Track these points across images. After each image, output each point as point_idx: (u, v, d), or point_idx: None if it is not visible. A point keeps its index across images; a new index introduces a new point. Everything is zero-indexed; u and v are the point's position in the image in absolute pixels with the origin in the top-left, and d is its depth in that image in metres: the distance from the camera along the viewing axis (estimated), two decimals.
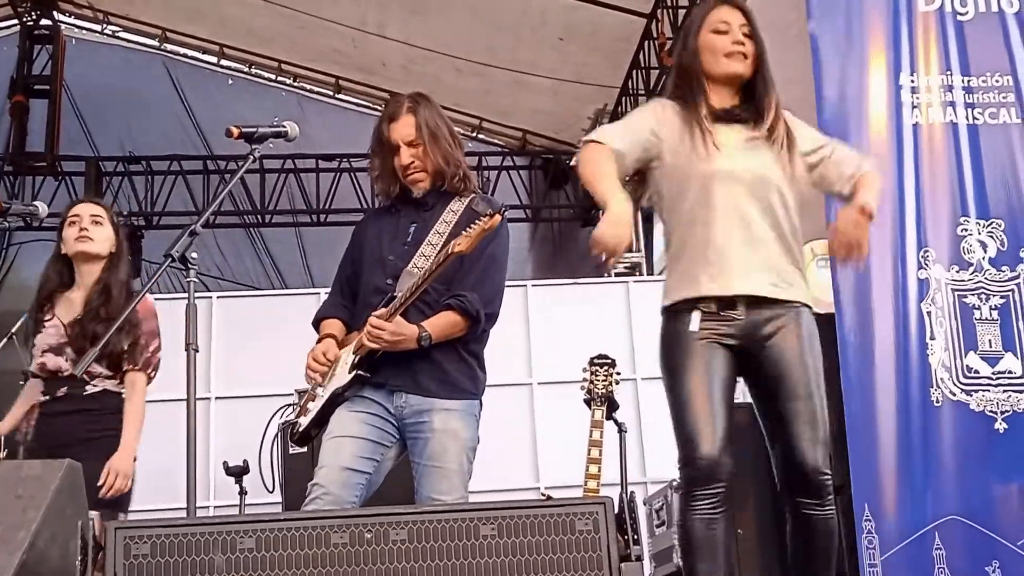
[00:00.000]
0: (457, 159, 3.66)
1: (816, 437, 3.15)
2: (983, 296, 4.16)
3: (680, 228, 3.31)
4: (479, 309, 3.49)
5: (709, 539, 3.11)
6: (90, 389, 4.16)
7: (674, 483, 5.22)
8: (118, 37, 12.25)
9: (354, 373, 3.48)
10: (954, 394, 4.06)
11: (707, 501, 3.10)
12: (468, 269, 3.52)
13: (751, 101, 3.35)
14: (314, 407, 3.57)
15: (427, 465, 3.41)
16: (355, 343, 3.51)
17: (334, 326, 3.66)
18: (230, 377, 7.97)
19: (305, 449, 4.00)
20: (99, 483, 3.94)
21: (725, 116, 3.32)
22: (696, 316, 3.19)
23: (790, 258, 3.27)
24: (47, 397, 4.17)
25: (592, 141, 3.33)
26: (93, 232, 4.26)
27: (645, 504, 5.69)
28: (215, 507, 7.24)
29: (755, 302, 3.20)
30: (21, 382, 6.67)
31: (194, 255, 3.42)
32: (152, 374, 4.26)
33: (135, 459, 4.13)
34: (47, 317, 4.24)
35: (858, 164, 3.37)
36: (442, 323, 3.47)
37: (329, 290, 3.87)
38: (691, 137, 3.28)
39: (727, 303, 3.20)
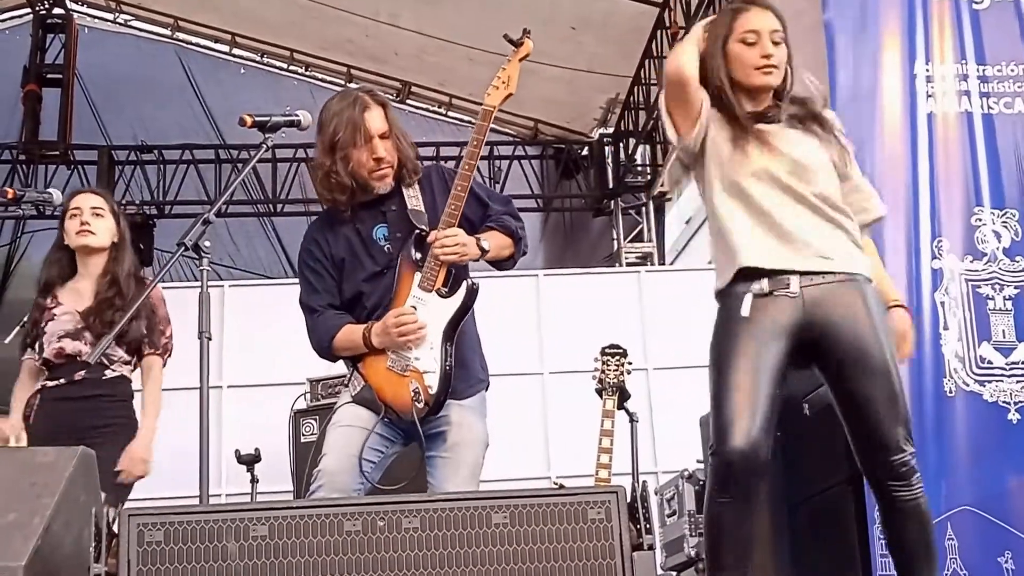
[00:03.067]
0: (414, 149, 3.59)
1: (896, 416, 3.04)
2: (997, 286, 4.14)
3: (724, 212, 3.24)
4: (518, 226, 3.52)
5: (736, 531, 3.05)
6: (109, 374, 4.21)
7: (685, 472, 5.23)
8: (130, 26, 12.27)
9: (462, 292, 3.38)
10: (967, 385, 4.04)
11: (737, 493, 3.02)
12: (477, 206, 3.53)
13: (780, 100, 3.32)
14: (428, 363, 3.36)
15: (442, 457, 3.39)
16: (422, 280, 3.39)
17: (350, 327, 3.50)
18: (242, 365, 7.98)
19: (317, 437, 3.99)
20: (116, 469, 3.99)
21: (762, 118, 3.28)
22: (748, 300, 3.10)
23: (841, 235, 3.20)
24: (61, 381, 4.19)
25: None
26: (94, 225, 4.30)
27: (657, 494, 5.69)
28: (227, 495, 7.26)
29: (808, 276, 3.12)
30: None
31: (207, 243, 3.41)
32: (166, 358, 4.34)
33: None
34: (51, 305, 4.26)
35: (870, 205, 3.37)
36: (497, 239, 3.47)
37: (309, 317, 3.59)
38: (732, 136, 3.24)
39: (779, 281, 3.12)
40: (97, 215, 4.32)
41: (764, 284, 3.11)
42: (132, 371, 4.29)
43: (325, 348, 3.55)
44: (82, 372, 4.16)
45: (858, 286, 3.13)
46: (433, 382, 3.34)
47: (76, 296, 4.27)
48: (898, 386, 3.08)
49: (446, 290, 3.39)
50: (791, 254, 3.13)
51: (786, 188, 3.18)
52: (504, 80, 3.59)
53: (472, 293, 3.40)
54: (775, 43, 3.28)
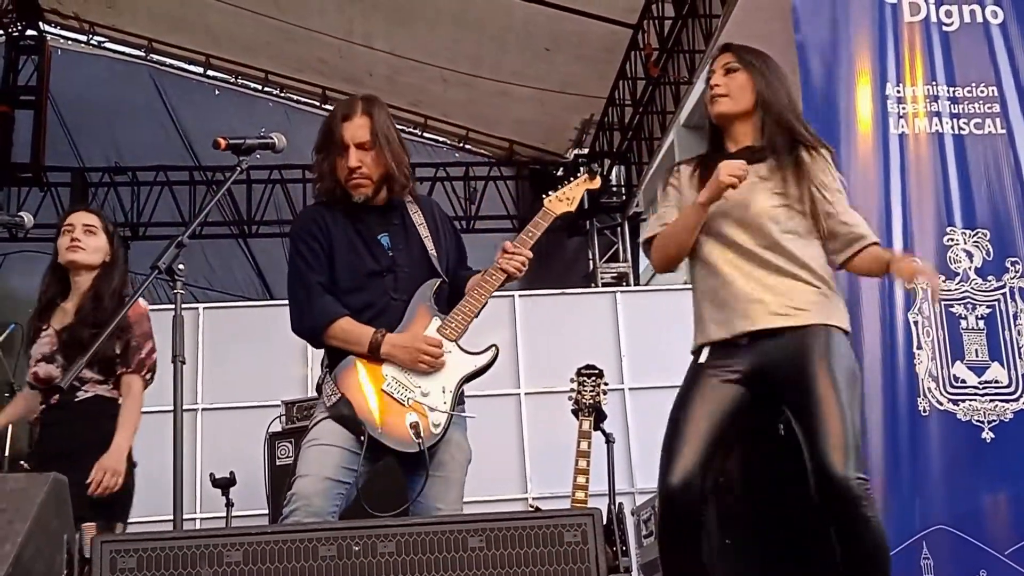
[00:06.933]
0: (406, 163, 3.59)
1: (839, 443, 3.08)
2: (969, 306, 4.16)
3: (694, 272, 3.50)
4: None
5: (682, 561, 3.23)
6: (81, 395, 4.14)
7: None
8: (104, 47, 12.24)
9: (490, 354, 3.51)
10: (941, 404, 4.06)
11: (676, 525, 3.22)
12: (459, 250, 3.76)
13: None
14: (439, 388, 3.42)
15: (433, 475, 3.34)
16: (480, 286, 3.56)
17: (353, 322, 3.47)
18: (217, 388, 7.94)
19: (292, 460, 3.97)
20: (87, 480, 3.91)
21: (738, 158, 3.39)
22: (705, 351, 3.37)
23: (803, 283, 3.32)
24: (43, 406, 4.16)
25: (647, 240, 3.60)
26: (85, 242, 4.27)
27: (633, 515, 5.68)
28: (201, 519, 7.21)
29: (760, 334, 3.29)
30: (6, 394, 6.66)
31: (181, 266, 3.39)
32: (148, 376, 4.24)
33: (135, 465, 4.14)
34: (43, 327, 4.24)
35: (861, 231, 3.45)
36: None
37: (307, 293, 3.52)
38: (698, 187, 3.42)
39: (734, 342, 3.32)
40: (89, 232, 4.29)
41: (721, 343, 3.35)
42: (111, 390, 4.19)
43: (317, 331, 3.47)
44: (56, 395, 4.12)
45: (815, 336, 3.25)
46: (441, 421, 3.35)
47: (62, 315, 4.25)
48: (844, 416, 3.12)
49: (475, 351, 3.48)
50: (741, 319, 3.32)
51: (738, 247, 3.37)
52: (569, 198, 3.86)
53: (495, 358, 3.50)
54: (728, 71, 3.48)
